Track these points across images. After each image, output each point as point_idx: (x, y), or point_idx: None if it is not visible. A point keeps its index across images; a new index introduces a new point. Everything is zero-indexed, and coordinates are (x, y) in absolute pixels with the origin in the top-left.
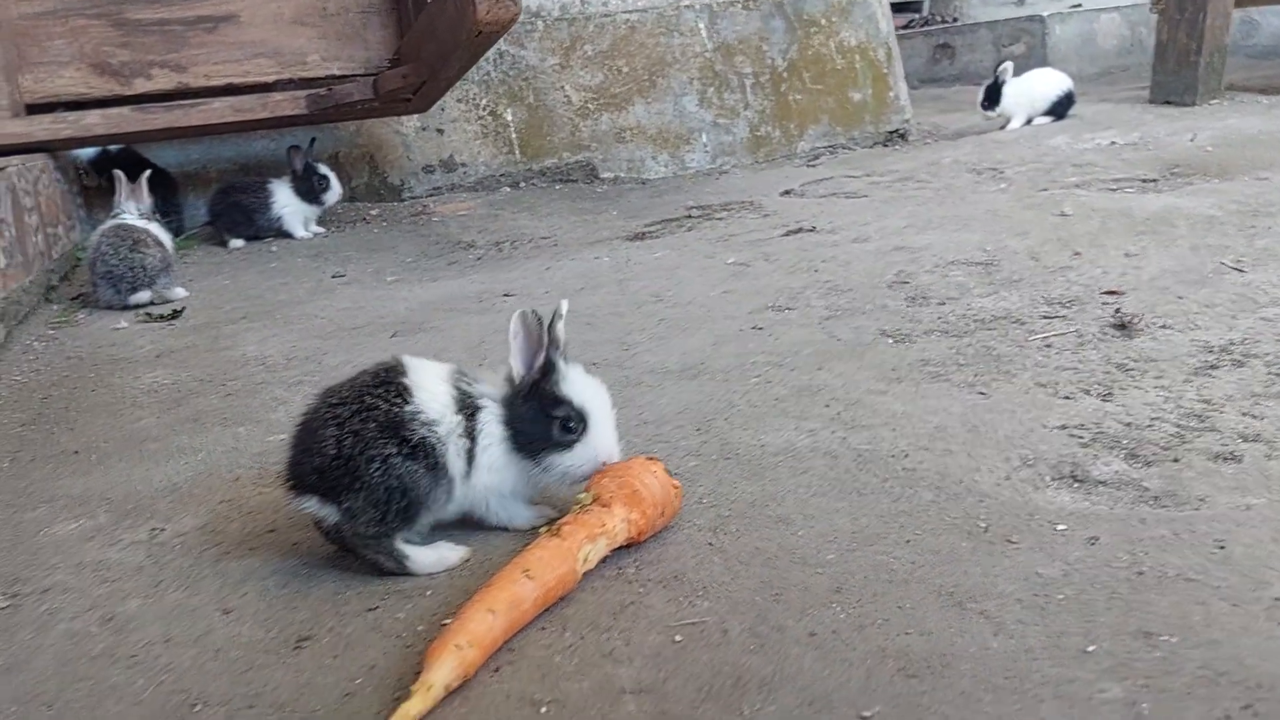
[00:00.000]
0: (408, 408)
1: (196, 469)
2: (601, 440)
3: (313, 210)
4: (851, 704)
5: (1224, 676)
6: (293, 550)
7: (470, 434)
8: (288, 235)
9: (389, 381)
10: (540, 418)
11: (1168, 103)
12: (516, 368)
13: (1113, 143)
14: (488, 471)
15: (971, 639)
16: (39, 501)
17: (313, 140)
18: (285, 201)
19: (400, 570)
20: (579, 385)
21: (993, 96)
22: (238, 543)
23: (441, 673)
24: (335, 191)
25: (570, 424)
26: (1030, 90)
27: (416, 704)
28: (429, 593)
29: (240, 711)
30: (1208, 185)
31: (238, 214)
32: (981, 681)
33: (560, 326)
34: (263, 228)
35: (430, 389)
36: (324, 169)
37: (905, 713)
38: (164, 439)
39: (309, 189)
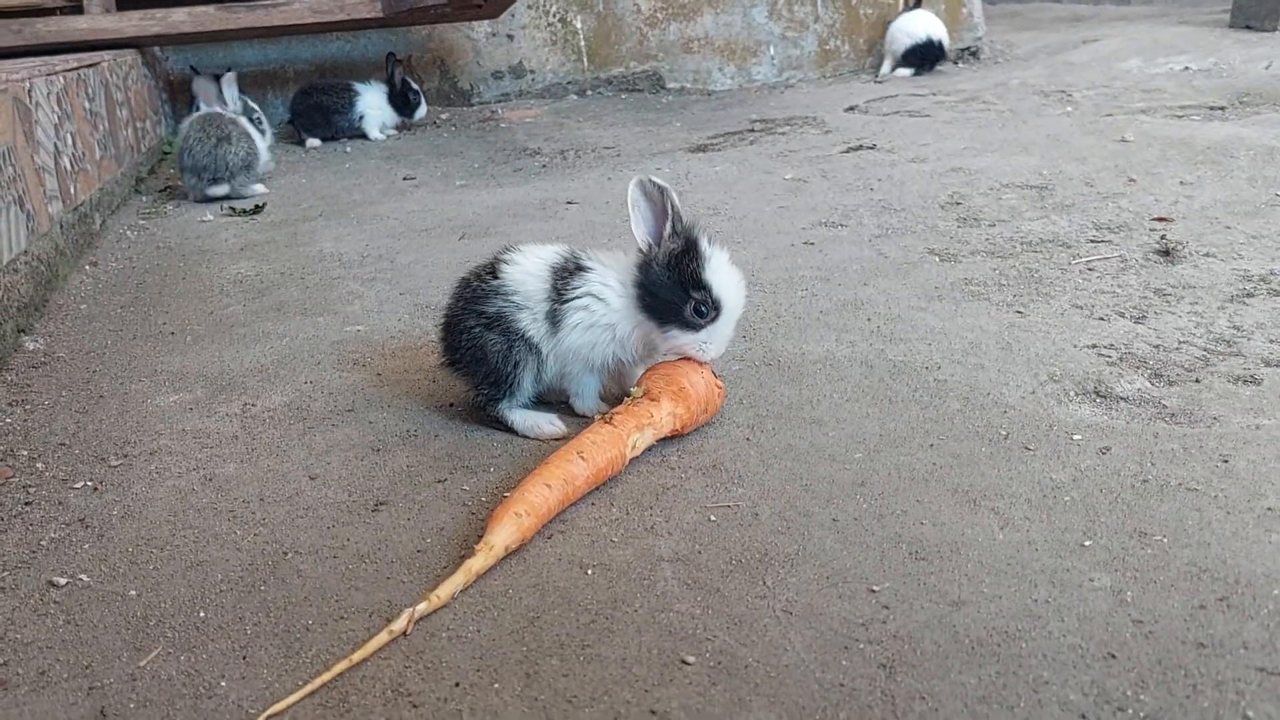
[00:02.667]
0: (491, 283)
1: (281, 352)
2: (718, 337)
3: (397, 119)
4: (864, 579)
5: (1207, 573)
6: (370, 428)
7: (558, 294)
8: (363, 136)
9: (492, 260)
10: (678, 291)
11: (1248, 27)
12: (641, 237)
13: (1186, 68)
14: (579, 331)
15: (980, 531)
16: (142, 375)
17: (407, 57)
18: (371, 104)
19: (511, 429)
20: (723, 278)
21: None
22: (321, 419)
23: (502, 535)
24: (425, 108)
25: (703, 310)
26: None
27: (479, 561)
28: (492, 469)
29: (326, 560)
30: (1277, 115)
31: (317, 115)
32: (985, 566)
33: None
34: (341, 129)
35: (521, 263)
36: (414, 84)
37: (911, 588)
38: (250, 324)
39: (404, 102)
